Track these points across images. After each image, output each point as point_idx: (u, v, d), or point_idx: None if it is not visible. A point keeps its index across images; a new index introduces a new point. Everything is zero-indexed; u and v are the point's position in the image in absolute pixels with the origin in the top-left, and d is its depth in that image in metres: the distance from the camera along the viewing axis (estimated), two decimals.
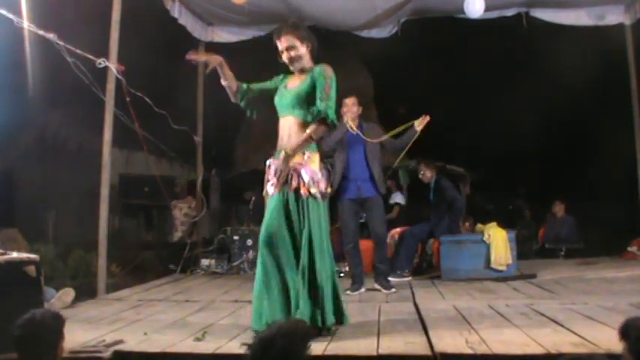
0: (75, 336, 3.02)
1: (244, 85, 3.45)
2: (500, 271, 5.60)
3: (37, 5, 4.58)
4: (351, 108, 5.05)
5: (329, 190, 3.32)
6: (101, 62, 4.96)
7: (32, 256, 3.29)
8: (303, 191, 3.14)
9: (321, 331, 3.08)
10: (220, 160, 9.39)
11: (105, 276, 4.97)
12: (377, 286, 5.04)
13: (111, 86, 5.04)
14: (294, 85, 3.32)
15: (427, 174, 6.32)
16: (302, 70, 3.33)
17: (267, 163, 3.35)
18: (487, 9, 6.06)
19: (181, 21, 6.56)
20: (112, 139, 5.05)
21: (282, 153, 3.17)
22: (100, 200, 4.97)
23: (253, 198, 7.57)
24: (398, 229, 6.42)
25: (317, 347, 2.74)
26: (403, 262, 5.96)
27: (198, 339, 3.10)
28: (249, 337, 2.85)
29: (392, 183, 7.80)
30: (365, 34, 7.20)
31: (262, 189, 3.37)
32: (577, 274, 5.76)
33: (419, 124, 5.12)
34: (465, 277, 5.55)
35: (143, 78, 5.62)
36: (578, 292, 4.64)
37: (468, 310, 3.82)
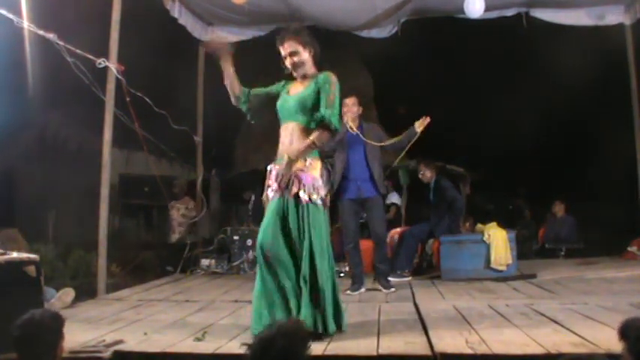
0: (75, 336, 3.02)
1: (246, 90, 3.43)
2: (500, 271, 5.59)
3: (37, 5, 4.58)
4: (352, 108, 5.06)
5: (328, 198, 3.31)
6: (101, 62, 4.96)
7: (32, 256, 3.30)
8: (303, 197, 3.14)
9: (321, 337, 3.06)
10: (220, 160, 9.39)
11: (105, 276, 4.97)
12: (377, 286, 5.05)
13: (111, 86, 5.04)
14: (297, 91, 3.32)
15: (427, 174, 6.32)
16: (305, 76, 3.33)
17: (269, 168, 3.35)
18: (487, 9, 6.06)
19: (181, 21, 6.56)
20: (112, 139, 5.05)
21: (285, 158, 3.15)
22: (100, 200, 4.97)
23: (253, 198, 7.58)
24: (398, 229, 6.42)
25: (317, 347, 2.75)
26: (403, 262, 5.96)
27: (198, 339, 3.10)
28: (249, 337, 2.86)
29: (389, 183, 7.80)
30: (365, 34, 7.20)
31: (262, 190, 3.37)
32: (577, 274, 5.76)
33: (419, 125, 5.13)
34: (465, 277, 5.55)
35: (143, 78, 5.62)
36: (578, 292, 4.64)
37: (468, 310, 3.82)
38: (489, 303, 4.09)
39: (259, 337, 2.00)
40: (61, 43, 4.68)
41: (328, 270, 3.14)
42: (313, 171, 3.21)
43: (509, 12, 6.68)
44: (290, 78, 3.41)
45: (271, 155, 3.51)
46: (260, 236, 3.20)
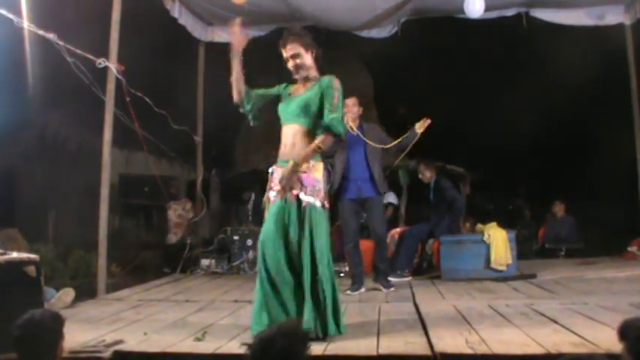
0: (75, 336, 3.02)
1: (251, 92, 3.42)
2: (500, 271, 5.59)
3: (37, 5, 4.58)
4: (352, 108, 5.06)
5: (326, 202, 3.30)
6: (101, 62, 4.97)
7: (32, 256, 3.30)
8: (305, 199, 3.15)
9: (321, 339, 3.05)
10: (220, 160, 9.38)
11: (105, 276, 4.97)
12: (377, 286, 5.06)
13: (111, 86, 5.04)
14: (299, 93, 3.32)
15: (427, 174, 6.32)
16: (307, 78, 3.34)
17: (270, 170, 3.35)
18: (487, 9, 6.06)
19: (181, 21, 6.57)
20: (112, 139, 5.05)
21: (291, 163, 3.14)
22: (100, 200, 4.97)
23: (253, 198, 7.57)
24: (398, 229, 6.43)
25: (317, 347, 2.75)
26: (403, 262, 5.96)
27: (198, 339, 3.10)
28: (249, 337, 2.85)
29: (385, 182, 7.80)
30: (365, 34, 7.20)
31: (262, 190, 3.37)
32: (577, 274, 5.76)
33: (419, 127, 5.14)
34: (465, 277, 5.55)
35: (143, 78, 5.62)
36: (578, 292, 4.64)
37: (468, 310, 3.82)
38: (489, 303, 4.09)
39: (259, 337, 2.00)
40: (61, 43, 4.68)
41: (328, 272, 3.14)
42: (315, 173, 3.22)
43: (509, 12, 6.69)
44: (291, 80, 3.42)
45: (271, 155, 3.51)
46: (264, 231, 3.20)
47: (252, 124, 3.52)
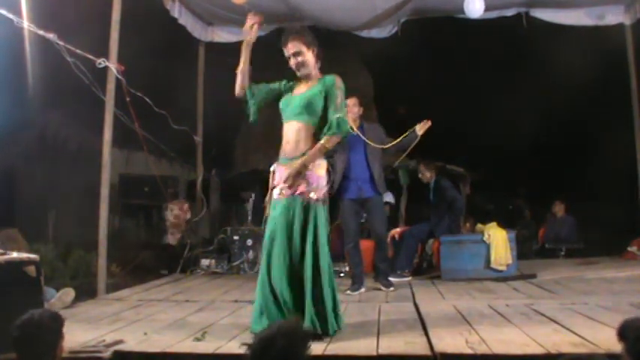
0: (75, 336, 3.02)
1: (253, 86, 3.42)
2: (500, 271, 5.59)
3: (37, 5, 4.58)
4: (352, 109, 5.06)
5: (327, 197, 3.34)
6: (101, 62, 4.97)
7: (32, 256, 3.30)
8: (311, 197, 3.18)
9: (322, 337, 3.07)
10: (220, 160, 9.38)
11: (105, 276, 4.97)
12: (377, 285, 5.07)
13: (111, 86, 5.04)
14: (302, 91, 3.34)
15: (426, 174, 6.33)
16: (308, 76, 3.35)
17: (272, 168, 3.36)
18: (487, 9, 6.06)
19: (181, 21, 6.57)
20: (112, 139, 5.05)
21: (299, 162, 3.16)
22: (100, 200, 4.97)
23: (253, 198, 7.57)
24: (398, 229, 6.42)
25: (317, 347, 2.75)
26: (403, 262, 5.96)
27: (198, 339, 3.10)
28: (249, 337, 2.85)
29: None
30: (365, 34, 7.20)
31: (262, 190, 3.38)
32: (577, 274, 5.76)
33: (420, 129, 5.15)
34: (465, 277, 5.55)
35: (143, 78, 5.62)
36: (578, 292, 4.64)
37: (467, 310, 3.82)
38: (489, 303, 4.09)
39: (259, 337, 2.00)
40: (61, 43, 4.68)
41: (328, 269, 3.17)
42: (319, 170, 3.26)
43: (509, 12, 6.69)
44: (293, 78, 3.42)
45: (272, 155, 3.51)
46: (269, 229, 3.21)
47: (251, 119, 3.49)
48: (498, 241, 5.66)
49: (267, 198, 3.36)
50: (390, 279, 5.23)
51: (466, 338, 2.93)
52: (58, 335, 2.33)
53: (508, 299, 4.32)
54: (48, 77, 5.89)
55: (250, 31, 3.38)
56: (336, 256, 5.28)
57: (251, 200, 7.21)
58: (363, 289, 4.95)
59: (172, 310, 4.12)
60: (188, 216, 7.26)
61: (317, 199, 3.20)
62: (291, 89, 3.41)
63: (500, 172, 10.07)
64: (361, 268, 5.07)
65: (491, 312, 3.75)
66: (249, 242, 6.60)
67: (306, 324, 3.02)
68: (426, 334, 3.08)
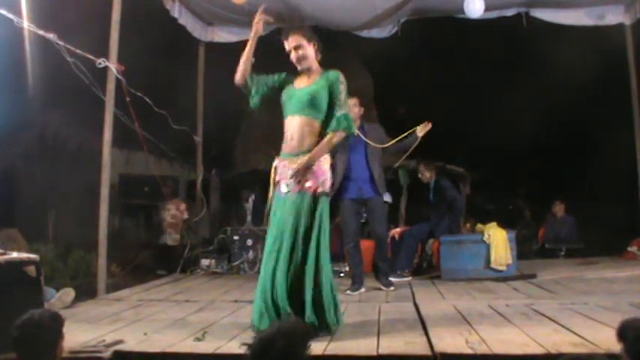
0: (75, 336, 3.02)
1: (254, 75, 3.41)
2: (500, 271, 5.59)
3: (37, 5, 4.58)
4: (353, 109, 5.05)
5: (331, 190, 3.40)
6: (101, 62, 4.96)
7: (32, 256, 3.30)
8: (318, 191, 3.22)
9: (324, 331, 3.10)
10: (220, 160, 9.38)
11: (105, 276, 4.97)
12: (377, 284, 5.07)
13: (111, 86, 5.04)
14: (305, 85, 3.35)
15: (426, 174, 6.33)
16: (309, 71, 3.36)
17: (275, 164, 3.37)
18: (487, 9, 6.06)
19: (181, 21, 6.56)
20: (112, 139, 5.04)
21: (306, 158, 3.19)
22: (100, 200, 4.97)
23: (253, 198, 7.57)
24: (398, 229, 6.43)
25: (317, 347, 2.74)
26: (403, 262, 5.96)
27: (198, 339, 3.10)
28: (249, 337, 2.85)
29: None
30: (365, 34, 7.20)
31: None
32: (577, 274, 5.76)
33: (421, 130, 5.15)
34: (465, 277, 5.55)
35: (143, 78, 5.62)
36: (578, 292, 4.64)
37: (467, 310, 3.82)
38: (489, 303, 4.09)
39: (259, 337, 2.00)
40: (61, 43, 4.68)
41: (328, 264, 3.22)
42: (325, 164, 3.29)
43: (509, 12, 6.69)
44: (292, 71, 3.42)
45: (271, 155, 3.51)
46: (277, 223, 3.23)
47: (252, 105, 3.48)
48: (498, 241, 5.66)
49: (269, 193, 3.37)
50: (391, 279, 5.23)
51: (466, 338, 2.93)
52: (58, 335, 2.33)
53: (508, 299, 4.32)
54: (48, 77, 5.89)
55: (258, 24, 3.38)
56: (336, 256, 5.28)
57: (251, 200, 7.21)
58: (363, 289, 4.95)
59: (172, 310, 4.12)
60: (185, 216, 7.25)
61: (323, 193, 3.25)
62: (291, 82, 3.41)
63: (500, 172, 10.08)
64: (361, 268, 5.07)
65: (491, 312, 3.75)
66: (249, 242, 6.60)
67: (307, 319, 3.04)
68: (426, 334, 3.07)
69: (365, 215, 5.36)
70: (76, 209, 7.49)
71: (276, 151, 3.43)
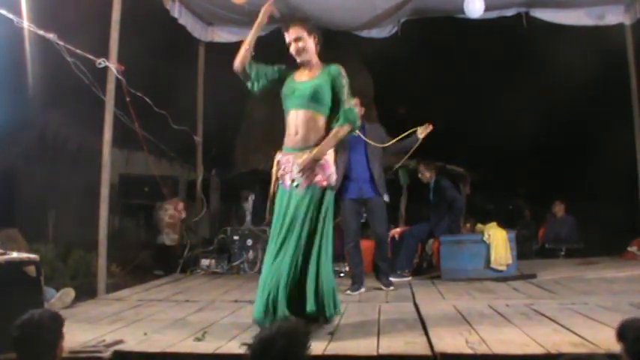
0: (75, 336, 3.02)
1: (254, 63, 3.40)
2: (500, 271, 5.60)
3: (37, 5, 4.58)
4: None
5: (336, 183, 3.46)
6: (101, 62, 4.97)
7: (32, 256, 3.30)
8: (325, 184, 3.26)
9: (324, 320, 3.18)
10: (220, 160, 9.38)
11: (105, 276, 4.97)
12: (377, 284, 5.08)
13: (111, 86, 5.04)
14: (306, 78, 3.35)
15: (426, 174, 6.33)
16: (308, 63, 3.36)
17: (277, 158, 3.37)
18: (487, 9, 6.06)
19: (181, 21, 6.56)
20: (112, 139, 5.04)
21: (314, 152, 3.21)
22: (100, 200, 4.97)
23: (253, 198, 7.57)
24: (398, 229, 6.43)
25: (317, 347, 2.74)
26: (403, 262, 5.96)
27: (198, 339, 3.10)
28: (249, 337, 2.85)
29: None
30: (365, 34, 7.20)
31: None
32: (577, 274, 5.76)
33: (421, 132, 5.15)
34: (465, 277, 5.55)
35: (143, 78, 5.62)
36: (578, 292, 4.64)
37: (467, 310, 3.82)
38: (489, 303, 4.09)
39: (259, 337, 2.00)
40: (61, 43, 4.68)
41: (330, 256, 3.27)
42: (330, 159, 3.33)
43: (509, 12, 6.69)
44: (291, 65, 3.42)
45: (272, 155, 3.51)
46: (284, 235, 3.23)
47: (252, 89, 3.46)
48: (498, 241, 5.66)
49: (271, 188, 3.38)
50: (390, 279, 5.23)
51: (466, 338, 2.93)
52: (58, 335, 2.33)
53: (508, 299, 4.32)
54: (48, 77, 5.88)
55: (264, 15, 3.40)
56: (336, 256, 5.28)
57: (250, 200, 7.21)
58: (363, 289, 4.95)
59: (172, 310, 4.12)
60: (183, 215, 7.25)
61: (330, 186, 3.30)
62: (291, 75, 3.41)
63: (500, 172, 10.07)
64: (361, 268, 5.07)
65: (491, 312, 3.75)
66: (249, 242, 6.60)
67: (309, 309, 3.09)
68: (426, 334, 3.07)
69: (365, 215, 5.35)
70: (76, 209, 7.48)
71: (276, 151, 3.43)
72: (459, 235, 6.04)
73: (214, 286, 5.56)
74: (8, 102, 5.17)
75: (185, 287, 5.51)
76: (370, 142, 5.03)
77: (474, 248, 5.70)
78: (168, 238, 7.15)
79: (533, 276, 5.63)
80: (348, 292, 4.85)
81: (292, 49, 3.35)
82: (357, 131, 4.97)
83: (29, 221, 6.65)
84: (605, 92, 8.63)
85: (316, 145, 3.25)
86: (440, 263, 5.81)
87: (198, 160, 7.44)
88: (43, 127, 7.84)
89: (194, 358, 2.81)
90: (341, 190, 5.03)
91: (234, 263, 6.62)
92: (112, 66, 5.02)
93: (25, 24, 4.44)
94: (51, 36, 4.61)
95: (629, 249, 6.87)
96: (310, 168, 3.21)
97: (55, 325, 2.32)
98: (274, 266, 3.18)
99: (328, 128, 3.31)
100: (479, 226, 6.21)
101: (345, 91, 3.30)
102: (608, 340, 2.62)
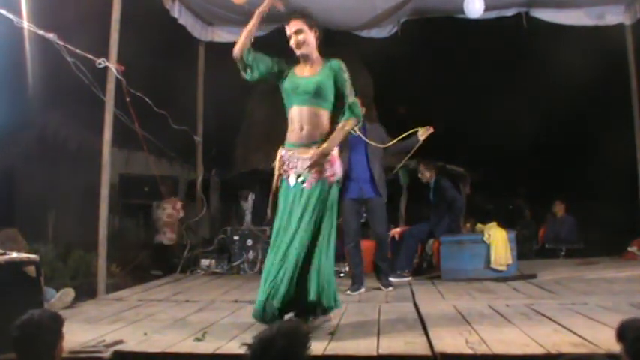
0: (75, 336, 3.02)
1: (252, 50, 3.37)
2: (500, 271, 5.60)
3: (37, 5, 4.58)
4: None
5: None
6: (101, 62, 4.97)
7: (32, 256, 3.30)
8: (333, 179, 3.29)
9: (325, 312, 3.22)
10: (220, 160, 9.39)
11: (105, 276, 4.97)
12: (377, 284, 5.08)
13: (111, 86, 5.04)
14: (308, 74, 3.35)
15: (426, 174, 6.33)
16: (308, 57, 3.36)
17: (280, 153, 3.38)
18: (487, 9, 6.06)
19: (181, 21, 6.56)
20: (112, 139, 5.04)
21: (323, 147, 3.23)
22: (100, 200, 4.97)
23: (253, 198, 7.57)
24: (398, 229, 6.43)
25: (317, 347, 2.74)
26: (403, 262, 5.95)
27: (198, 339, 3.10)
28: (249, 337, 2.85)
29: None
30: (365, 34, 7.20)
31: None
32: (577, 274, 5.76)
33: (422, 134, 5.15)
34: (465, 277, 5.55)
35: (143, 78, 5.62)
36: (578, 292, 4.64)
37: (467, 310, 3.82)
38: (489, 303, 4.09)
39: (259, 337, 2.00)
40: (61, 43, 4.68)
41: (333, 250, 3.32)
42: (336, 153, 3.36)
43: (509, 12, 6.69)
44: (291, 61, 3.42)
45: (272, 155, 3.51)
46: (292, 232, 3.23)
47: (249, 79, 3.41)
48: (498, 241, 5.66)
49: (274, 184, 3.37)
50: (391, 279, 5.23)
51: (466, 338, 2.93)
52: (58, 335, 2.33)
53: (508, 299, 4.32)
54: (48, 77, 5.89)
55: (266, 5, 3.40)
56: (336, 256, 5.28)
57: (250, 200, 7.22)
58: (363, 289, 4.96)
59: (172, 310, 4.12)
60: (181, 215, 7.24)
61: (336, 181, 3.33)
62: (292, 70, 3.40)
63: (500, 172, 10.08)
64: (361, 268, 5.07)
65: (491, 312, 3.75)
66: (249, 242, 6.60)
67: (310, 299, 3.12)
68: (426, 334, 3.07)
69: (365, 215, 5.36)
70: (75, 209, 7.49)
71: (276, 151, 3.43)
72: (459, 235, 6.03)
73: (214, 286, 5.56)
74: (8, 102, 5.17)
75: (185, 287, 5.51)
76: (371, 142, 5.03)
77: (474, 248, 5.70)
78: (166, 237, 7.15)
79: (533, 276, 5.63)
80: (348, 292, 4.85)
81: (292, 42, 3.35)
82: (358, 131, 5.02)
83: (29, 221, 6.65)
84: (605, 92, 8.64)
85: (323, 140, 3.26)
86: (440, 263, 5.81)
87: (198, 160, 7.44)
88: (43, 127, 7.85)
89: (194, 358, 2.81)
90: (341, 190, 5.01)
91: (234, 263, 6.62)
92: (112, 66, 5.02)
93: (25, 24, 4.44)
94: (51, 36, 4.61)
95: (629, 249, 6.87)
96: (320, 163, 3.23)
97: (55, 325, 2.32)
98: (278, 257, 3.18)
99: (331, 123, 3.33)
100: (479, 226, 6.21)
101: (348, 85, 3.32)
102: (608, 340, 2.62)
